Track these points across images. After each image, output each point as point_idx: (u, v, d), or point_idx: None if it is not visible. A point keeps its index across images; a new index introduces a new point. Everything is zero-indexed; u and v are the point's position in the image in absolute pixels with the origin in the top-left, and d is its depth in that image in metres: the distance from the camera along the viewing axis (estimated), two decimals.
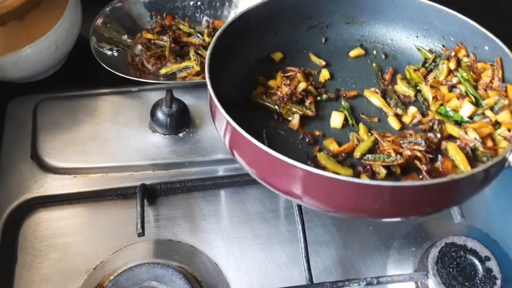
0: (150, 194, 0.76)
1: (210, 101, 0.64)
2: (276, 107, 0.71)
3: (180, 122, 0.81)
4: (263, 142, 0.56)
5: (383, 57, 0.80)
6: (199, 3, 0.98)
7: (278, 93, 0.73)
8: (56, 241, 0.72)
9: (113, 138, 0.81)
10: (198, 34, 0.92)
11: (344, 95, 0.74)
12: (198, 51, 0.90)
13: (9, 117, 0.84)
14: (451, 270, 0.66)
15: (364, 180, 0.59)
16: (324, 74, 0.77)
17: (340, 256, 0.72)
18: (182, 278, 0.66)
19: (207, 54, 0.66)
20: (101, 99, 0.86)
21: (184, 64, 0.89)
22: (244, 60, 0.76)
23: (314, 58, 0.80)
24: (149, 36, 0.93)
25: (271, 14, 0.77)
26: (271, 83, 0.75)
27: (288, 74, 0.75)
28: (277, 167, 0.56)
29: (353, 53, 0.81)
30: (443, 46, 0.77)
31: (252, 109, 0.72)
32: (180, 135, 0.82)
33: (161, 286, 0.65)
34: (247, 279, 0.70)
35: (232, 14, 0.97)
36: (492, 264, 0.66)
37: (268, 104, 0.72)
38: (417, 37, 0.80)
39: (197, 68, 0.87)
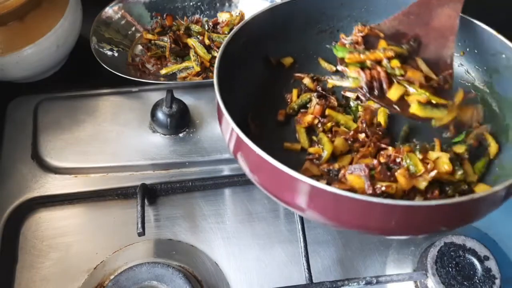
0: (150, 194, 0.76)
1: (217, 108, 0.63)
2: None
3: (180, 122, 0.81)
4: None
5: None
6: (199, 3, 0.98)
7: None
8: (56, 241, 0.72)
9: (113, 138, 0.81)
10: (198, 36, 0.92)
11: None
12: (197, 52, 0.90)
13: (9, 117, 0.84)
14: (450, 269, 0.66)
15: (379, 199, 0.54)
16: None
17: (340, 256, 0.72)
18: (182, 278, 0.66)
19: (216, 62, 0.65)
20: (101, 99, 0.86)
21: (184, 64, 0.89)
22: (253, 66, 0.75)
23: (324, 64, 0.79)
24: (150, 36, 0.93)
25: (281, 19, 0.75)
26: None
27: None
28: (282, 179, 0.56)
29: None
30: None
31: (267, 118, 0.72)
32: (180, 135, 0.82)
33: (162, 286, 0.66)
34: (247, 278, 0.70)
35: (232, 14, 0.98)
36: (491, 264, 0.66)
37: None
38: None
39: (198, 69, 0.88)
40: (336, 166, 0.65)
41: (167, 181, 0.77)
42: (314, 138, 0.71)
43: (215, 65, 0.65)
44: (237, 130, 0.58)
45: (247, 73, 0.74)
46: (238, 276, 0.70)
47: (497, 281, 0.65)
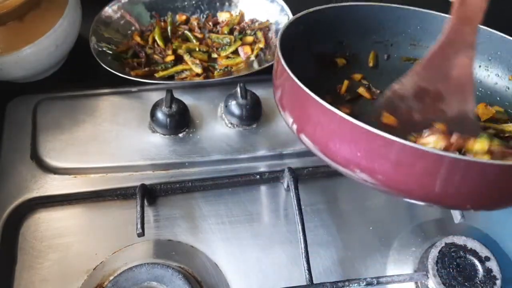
0: (150, 194, 0.76)
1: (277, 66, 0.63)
2: None
3: (180, 122, 0.81)
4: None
5: None
6: (199, 2, 0.98)
7: None
8: (56, 242, 0.72)
9: (113, 138, 0.81)
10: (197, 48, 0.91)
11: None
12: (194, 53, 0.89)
13: (8, 117, 0.84)
14: (451, 270, 0.66)
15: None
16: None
17: (340, 257, 0.72)
18: (182, 278, 0.66)
19: (277, 41, 0.66)
20: (101, 99, 0.86)
21: (181, 67, 0.88)
22: (308, 59, 0.76)
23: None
24: (137, 39, 0.92)
25: (341, 20, 0.76)
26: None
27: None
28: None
29: None
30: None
31: None
32: (180, 135, 0.82)
33: (161, 286, 0.65)
34: (247, 279, 0.70)
35: (232, 13, 0.97)
36: (492, 264, 0.66)
37: None
38: (479, 66, 0.79)
39: (197, 71, 0.87)
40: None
41: (166, 181, 0.77)
42: None
43: (278, 38, 0.66)
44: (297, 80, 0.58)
45: (302, 62, 0.74)
46: (238, 277, 0.70)
47: (498, 282, 0.65)
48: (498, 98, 0.77)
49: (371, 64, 0.81)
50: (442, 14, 0.78)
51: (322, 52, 0.78)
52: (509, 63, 0.76)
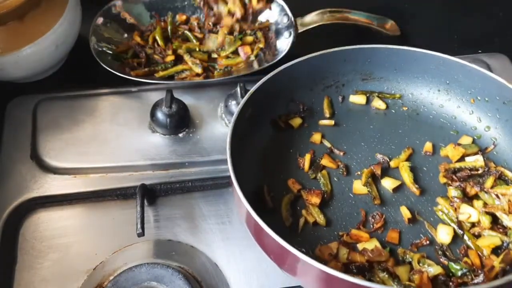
0: (150, 194, 0.76)
1: (233, 187, 0.63)
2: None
3: (180, 122, 0.81)
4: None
5: (404, 110, 0.80)
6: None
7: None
8: (55, 242, 0.72)
9: (113, 138, 0.81)
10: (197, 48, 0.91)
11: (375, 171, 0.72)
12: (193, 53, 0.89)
13: (9, 117, 0.84)
14: None
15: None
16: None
17: None
18: (182, 278, 0.66)
19: (227, 140, 0.65)
20: (101, 99, 0.86)
21: (181, 67, 0.88)
22: (263, 133, 0.76)
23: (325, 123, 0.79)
24: (138, 39, 0.92)
25: (285, 82, 0.76)
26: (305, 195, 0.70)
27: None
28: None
29: (374, 104, 0.80)
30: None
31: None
32: (180, 135, 0.82)
33: (161, 286, 0.65)
34: (247, 279, 0.69)
35: None
36: None
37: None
38: (438, 91, 0.79)
39: (197, 70, 0.87)
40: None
41: (166, 181, 0.77)
42: None
43: (227, 141, 0.65)
44: (250, 209, 0.59)
45: (258, 142, 0.74)
46: (238, 277, 0.70)
47: None
48: (464, 123, 0.77)
49: (327, 115, 0.79)
50: (389, 47, 0.77)
51: (277, 119, 0.77)
52: (468, 86, 0.76)
